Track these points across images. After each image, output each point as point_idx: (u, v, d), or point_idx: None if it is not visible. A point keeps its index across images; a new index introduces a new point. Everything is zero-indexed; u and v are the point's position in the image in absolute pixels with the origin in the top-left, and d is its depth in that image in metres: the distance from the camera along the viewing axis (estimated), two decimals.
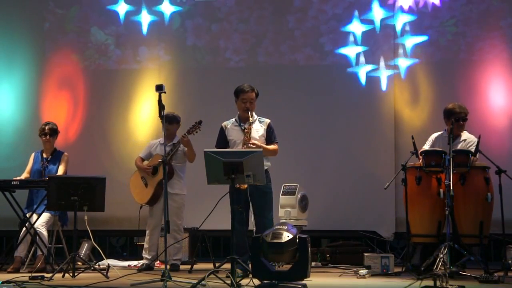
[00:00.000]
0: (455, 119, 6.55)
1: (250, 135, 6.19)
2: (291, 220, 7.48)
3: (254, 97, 6.33)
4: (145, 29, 9.22)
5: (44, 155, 7.38)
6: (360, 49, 8.82)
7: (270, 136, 6.35)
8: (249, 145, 6.09)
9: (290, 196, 7.64)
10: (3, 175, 7.32)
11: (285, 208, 7.63)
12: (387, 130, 8.65)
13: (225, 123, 6.47)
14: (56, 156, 7.35)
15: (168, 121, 7.21)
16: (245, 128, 6.24)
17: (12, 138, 9.22)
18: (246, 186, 5.88)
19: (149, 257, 7.16)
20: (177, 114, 7.37)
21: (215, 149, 5.38)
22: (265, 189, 6.16)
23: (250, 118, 6.25)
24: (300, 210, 7.66)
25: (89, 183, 6.38)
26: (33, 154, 7.46)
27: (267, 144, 6.29)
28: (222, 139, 6.41)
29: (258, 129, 6.33)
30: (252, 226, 6.26)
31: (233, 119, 6.43)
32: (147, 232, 7.26)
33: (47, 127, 7.35)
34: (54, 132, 7.38)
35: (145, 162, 7.34)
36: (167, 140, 7.24)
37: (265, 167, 6.18)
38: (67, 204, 6.34)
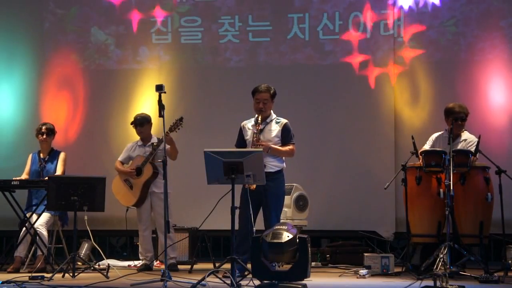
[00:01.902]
0: (454, 118, 6.57)
1: (258, 136, 6.15)
2: (287, 220, 7.46)
3: (267, 97, 6.24)
4: (145, 29, 9.20)
5: (41, 155, 7.38)
6: (360, 49, 8.82)
7: (285, 137, 6.25)
8: (258, 146, 6.05)
9: (286, 196, 7.64)
10: (3, 175, 7.32)
11: (283, 208, 7.63)
12: (387, 130, 8.65)
13: (244, 122, 6.43)
14: (53, 156, 7.36)
15: (140, 123, 7.22)
16: (257, 128, 6.21)
17: (12, 138, 9.20)
18: (254, 186, 5.84)
19: (146, 258, 7.16)
20: (146, 114, 7.35)
21: (215, 149, 5.36)
22: (277, 190, 6.14)
23: (259, 119, 6.20)
24: (296, 210, 7.65)
25: (89, 183, 6.38)
26: (30, 155, 7.46)
27: (282, 145, 6.25)
28: (241, 139, 6.38)
29: (273, 130, 6.27)
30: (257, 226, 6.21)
31: (253, 119, 6.36)
32: (139, 234, 7.28)
33: (44, 127, 7.36)
34: (51, 132, 7.38)
35: (125, 166, 7.34)
36: (145, 141, 7.26)
37: (278, 168, 6.20)
38: (67, 204, 6.34)
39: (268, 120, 6.29)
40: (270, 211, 6.14)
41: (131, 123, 7.34)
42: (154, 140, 7.23)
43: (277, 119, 6.34)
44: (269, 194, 6.07)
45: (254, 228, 6.03)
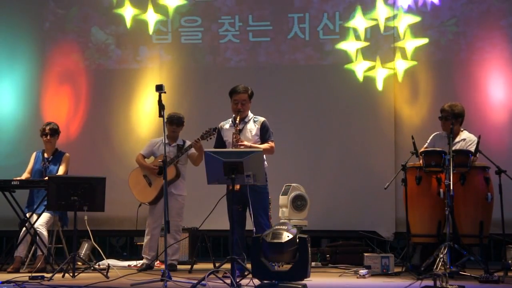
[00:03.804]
0: (440, 116, 6.60)
1: (238, 136, 6.15)
2: (285, 220, 7.45)
3: (246, 98, 6.26)
4: (145, 28, 9.22)
5: (45, 155, 7.38)
6: (360, 48, 8.82)
7: (263, 135, 6.27)
8: (238, 146, 6.06)
9: (284, 196, 7.66)
10: (3, 173, 7.32)
11: (281, 208, 7.66)
12: (387, 130, 8.65)
13: (222, 123, 6.44)
14: (57, 157, 7.36)
15: (176, 123, 7.20)
16: (236, 129, 6.21)
17: (13, 136, 9.22)
18: (238, 186, 5.83)
19: (149, 257, 7.16)
20: (182, 115, 7.36)
21: (215, 149, 5.36)
22: (259, 189, 6.09)
23: (237, 119, 6.20)
24: (293, 210, 7.65)
25: (89, 183, 6.37)
26: (34, 154, 7.46)
27: (262, 143, 6.25)
28: (219, 140, 6.39)
29: (251, 129, 6.28)
30: (248, 226, 6.21)
31: (230, 119, 6.39)
32: (146, 231, 7.26)
33: (47, 127, 7.36)
34: (55, 132, 7.38)
35: (146, 160, 7.34)
36: (171, 140, 7.25)
37: None
38: (67, 204, 6.33)
39: (246, 120, 6.31)
40: (256, 210, 6.11)
41: (167, 119, 7.29)
42: (180, 142, 7.22)
43: (254, 117, 6.35)
44: (253, 193, 6.05)
45: (255, 228, 6.04)
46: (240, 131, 6.23)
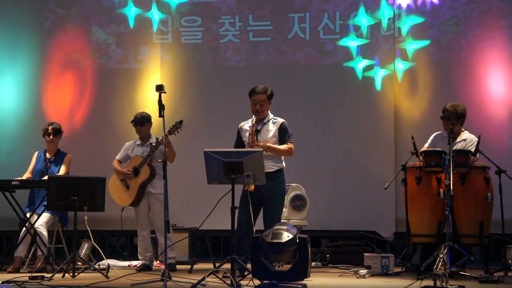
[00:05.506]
0: (442, 116, 6.60)
1: (255, 137, 6.13)
2: (285, 220, 7.44)
3: (264, 98, 6.21)
4: (145, 28, 9.22)
5: (47, 155, 7.38)
6: (360, 48, 8.82)
7: (282, 137, 6.22)
8: (254, 146, 6.04)
9: None
10: (5, 170, 7.31)
11: None
12: (387, 130, 8.65)
13: (242, 123, 6.39)
14: (59, 157, 7.35)
15: (140, 122, 7.18)
16: (252, 129, 6.19)
17: (15, 133, 9.23)
18: (253, 187, 5.82)
19: (146, 258, 7.16)
20: (147, 113, 7.33)
21: (215, 149, 5.35)
22: (277, 190, 6.11)
23: (254, 120, 6.18)
24: (292, 210, 7.64)
25: (89, 183, 6.38)
26: (36, 153, 7.46)
27: (280, 145, 6.22)
28: (239, 140, 6.35)
29: (270, 130, 6.23)
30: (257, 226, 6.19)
31: (251, 120, 6.30)
32: (138, 234, 7.28)
33: (50, 127, 7.36)
34: (57, 132, 7.39)
35: (123, 165, 7.32)
36: (142, 140, 7.23)
37: (278, 168, 6.17)
38: (67, 204, 6.33)
39: (265, 121, 6.27)
40: (270, 210, 6.12)
41: (131, 122, 7.33)
42: (153, 140, 7.21)
43: (274, 119, 6.30)
44: (269, 193, 6.05)
45: (254, 228, 6.04)
46: (258, 131, 6.19)
